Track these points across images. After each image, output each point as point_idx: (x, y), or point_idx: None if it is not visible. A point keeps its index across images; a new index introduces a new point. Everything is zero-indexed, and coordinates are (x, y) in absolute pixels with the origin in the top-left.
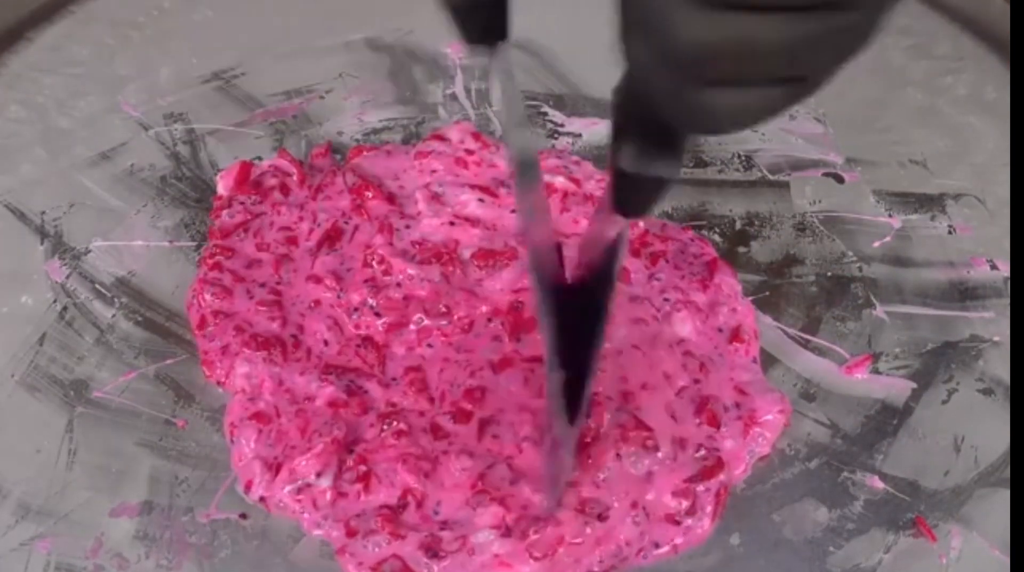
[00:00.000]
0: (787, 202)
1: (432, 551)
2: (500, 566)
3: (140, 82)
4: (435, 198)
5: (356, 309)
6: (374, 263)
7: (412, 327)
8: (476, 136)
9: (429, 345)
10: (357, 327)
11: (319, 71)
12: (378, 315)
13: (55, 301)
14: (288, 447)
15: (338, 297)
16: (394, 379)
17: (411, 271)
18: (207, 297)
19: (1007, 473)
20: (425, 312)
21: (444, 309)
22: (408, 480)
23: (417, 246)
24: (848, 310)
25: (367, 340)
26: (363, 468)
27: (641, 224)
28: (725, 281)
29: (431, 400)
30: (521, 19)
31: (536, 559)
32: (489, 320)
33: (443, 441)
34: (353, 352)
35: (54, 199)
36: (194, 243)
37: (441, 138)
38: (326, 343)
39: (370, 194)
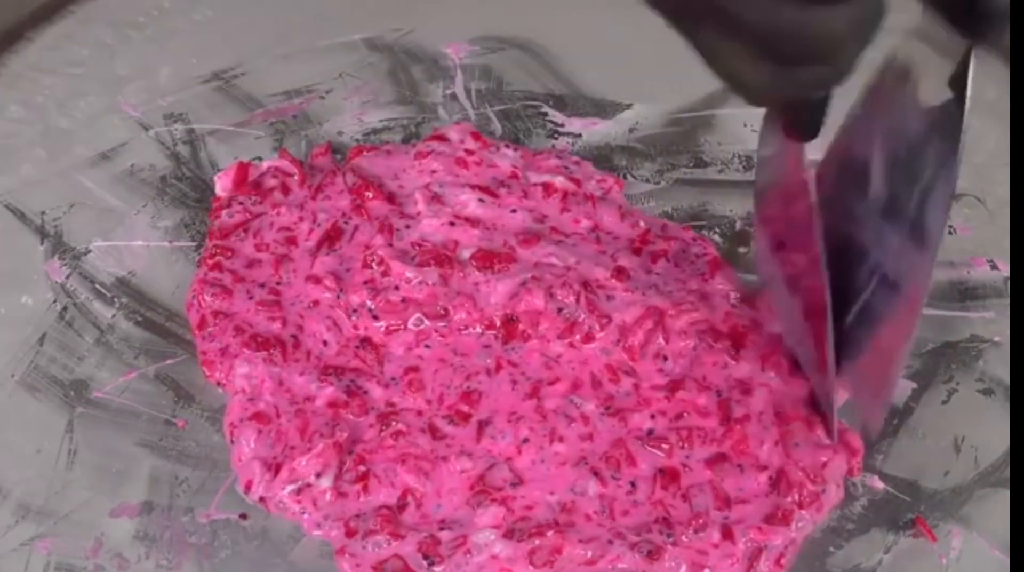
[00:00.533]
0: None
1: (428, 558)
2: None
3: (140, 82)
4: (435, 198)
5: (355, 310)
6: (373, 265)
7: (411, 328)
8: (476, 136)
9: (427, 346)
10: (356, 328)
11: (319, 71)
12: (376, 318)
13: (55, 301)
14: (288, 447)
15: (337, 298)
16: (393, 379)
17: (409, 274)
18: (207, 298)
19: (1007, 473)
20: (424, 314)
21: (442, 310)
22: (408, 480)
23: (417, 247)
24: None
25: (366, 341)
26: (362, 468)
27: (642, 223)
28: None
29: (428, 401)
30: (521, 19)
31: (537, 567)
32: (482, 333)
33: (441, 443)
34: (352, 353)
35: (54, 199)
36: (194, 243)
37: (441, 138)
38: (325, 344)
39: (370, 194)
